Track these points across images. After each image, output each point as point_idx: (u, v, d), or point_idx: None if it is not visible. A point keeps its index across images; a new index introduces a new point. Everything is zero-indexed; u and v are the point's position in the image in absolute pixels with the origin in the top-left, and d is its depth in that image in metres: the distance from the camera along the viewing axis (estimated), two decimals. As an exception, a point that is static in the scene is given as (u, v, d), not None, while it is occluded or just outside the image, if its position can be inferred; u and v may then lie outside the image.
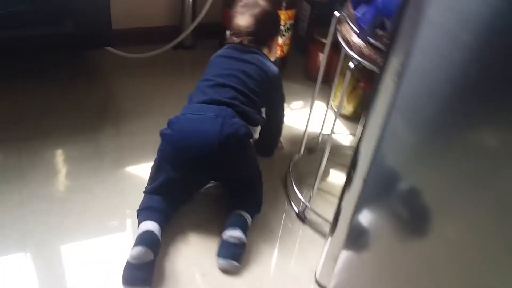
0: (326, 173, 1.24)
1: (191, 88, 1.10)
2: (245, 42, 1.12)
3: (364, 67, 1.37)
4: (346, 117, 1.48)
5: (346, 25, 0.95)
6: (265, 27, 1.14)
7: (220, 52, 1.15)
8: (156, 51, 1.58)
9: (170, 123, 1.01)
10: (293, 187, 1.17)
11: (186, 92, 1.10)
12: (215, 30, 1.63)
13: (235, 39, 1.13)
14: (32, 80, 1.44)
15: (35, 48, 1.32)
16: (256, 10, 1.12)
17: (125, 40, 1.58)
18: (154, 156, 1.04)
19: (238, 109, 1.02)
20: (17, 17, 1.18)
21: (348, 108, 1.46)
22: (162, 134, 1.01)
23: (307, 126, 1.21)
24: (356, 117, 1.45)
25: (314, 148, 1.32)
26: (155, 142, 1.03)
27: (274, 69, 1.13)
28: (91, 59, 1.57)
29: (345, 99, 1.43)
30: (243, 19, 1.12)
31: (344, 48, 0.95)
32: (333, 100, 1.46)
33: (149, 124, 1.32)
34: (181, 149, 0.98)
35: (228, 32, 1.17)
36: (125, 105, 1.40)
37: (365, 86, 1.41)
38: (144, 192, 1.04)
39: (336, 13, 0.98)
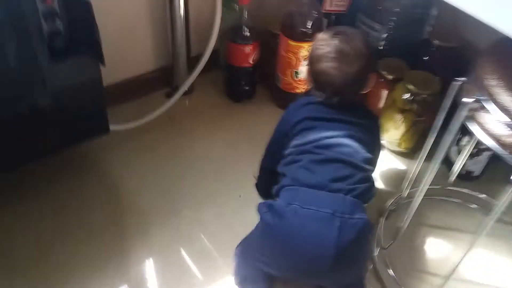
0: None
1: (213, 151, 0.97)
2: (337, 98, 0.87)
3: (425, 100, 1.17)
4: (400, 153, 1.26)
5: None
6: (366, 75, 0.88)
7: (309, 111, 0.89)
8: (148, 116, 1.23)
9: (273, 210, 0.80)
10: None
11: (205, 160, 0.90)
12: (210, 62, 1.30)
13: (325, 96, 0.87)
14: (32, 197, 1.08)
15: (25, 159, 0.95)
16: (357, 63, 0.84)
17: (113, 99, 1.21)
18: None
19: (356, 192, 0.80)
20: None
21: (405, 145, 1.24)
22: (265, 221, 0.81)
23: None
24: (412, 152, 1.24)
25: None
26: None
27: (374, 113, 0.94)
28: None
29: (404, 136, 1.21)
30: (337, 75, 0.84)
31: (474, 133, 0.71)
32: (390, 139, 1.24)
33: (183, 234, 1.04)
34: (286, 249, 0.80)
35: (309, 82, 0.91)
36: (143, 203, 1.09)
37: (427, 120, 1.18)
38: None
39: (467, 100, 0.72)
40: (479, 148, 1.11)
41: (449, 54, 1.24)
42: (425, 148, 0.97)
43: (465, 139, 1.12)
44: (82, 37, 0.82)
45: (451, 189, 1.14)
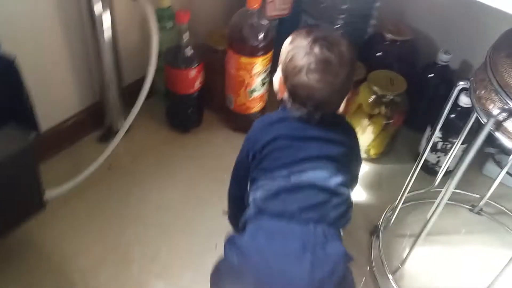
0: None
1: (170, 196, 0.85)
2: (319, 113, 0.75)
3: (393, 101, 1.10)
4: (369, 159, 1.18)
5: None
6: (351, 83, 0.77)
7: (283, 128, 0.76)
8: (83, 173, 1.00)
9: (236, 248, 0.71)
10: None
11: (164, 210, 0.69)
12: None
13: (305, 111, 0.75)
14: None
15: None
16: (342, 71, 0.72)
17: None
18: None
19: (330, 220, 0.72)
20: None
21: (375, 151, 1.17)
22: (229, 261, 0.72)
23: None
24: (381, 157, 1.18)
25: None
26: None
27: (354, 129, 0.83)
28: None
29: (373, 142, 1.14)
30: (321, 88, 0.72)
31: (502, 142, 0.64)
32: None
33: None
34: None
35: (285, 97, 0.77)
36: (98, 283, 0.89)
37: (397, 122, 1.12)
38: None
39: (495, 112, 0.63)
40: (452, 142, 1.06)
41: (403, 47, 1.19)
42: (419, 159, 0.90)
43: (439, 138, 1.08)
44: (6, 103, 0.60)
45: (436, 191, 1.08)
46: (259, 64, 1.05)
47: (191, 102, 1.13)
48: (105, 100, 1.10)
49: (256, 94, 1.11)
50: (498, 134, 0.63)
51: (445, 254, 0.99)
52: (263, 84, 1.10)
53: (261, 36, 1.02)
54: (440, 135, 1.06)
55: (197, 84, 1.10)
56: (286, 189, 0.73)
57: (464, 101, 1.01)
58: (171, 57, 1.06)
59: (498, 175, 1.01)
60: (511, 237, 1.04)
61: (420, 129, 1.14)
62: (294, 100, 0.75)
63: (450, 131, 1.04)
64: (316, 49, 0.71)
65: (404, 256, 0.91)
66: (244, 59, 1.04)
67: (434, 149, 1.09)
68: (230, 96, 1.13)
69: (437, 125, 0.85)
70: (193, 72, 1.06)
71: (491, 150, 1.12)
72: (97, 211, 0.99)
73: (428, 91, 1.16)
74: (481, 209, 1.08)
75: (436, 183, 1.02)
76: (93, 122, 1.13)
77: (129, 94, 1.11)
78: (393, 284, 0.90)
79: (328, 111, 0.76)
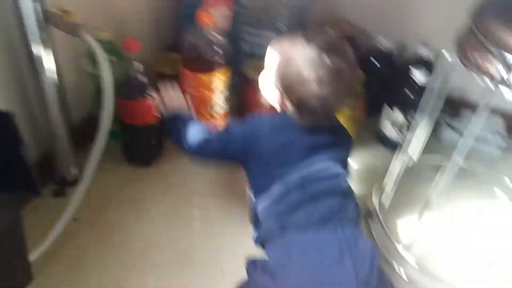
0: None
1: (155, 237, 0.67)
2: (328, 119, 0.76)
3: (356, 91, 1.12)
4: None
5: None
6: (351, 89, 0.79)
7: (291, 134, 0.75)
8: (49, 237, 0.88)
9: (266, 270, 0.67)
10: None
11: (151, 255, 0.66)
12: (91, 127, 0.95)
13: (312, 117, 0.74)
14: None
15: None
16: (352, 78, 0.73)
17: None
18: None
19: (350, 218, 0.73)
20: None
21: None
22: (260, 282, 0.69)
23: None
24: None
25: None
26: None
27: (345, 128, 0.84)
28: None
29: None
30: (334, 97, 0.72)
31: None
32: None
33: None
34: None
35: (287, 106, 0.75)
36: None
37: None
38: None
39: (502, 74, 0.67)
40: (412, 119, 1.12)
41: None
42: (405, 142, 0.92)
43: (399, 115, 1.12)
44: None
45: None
46: (219, 79, 1.01)
47: (152, 133, 1.05)
48: (54, 149, 0.98)
49: (220, 111, 1.06)
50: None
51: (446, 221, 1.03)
52: (226, 100, 1.06)
53: (217, 50, 0.98)
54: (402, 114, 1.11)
55: (157, 114, 1.02)
56: (305, 199, 0.72)
57: (420, 78, 1.07)
58: (124, 89, 0.97)
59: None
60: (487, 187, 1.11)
61: (372, 114, 1.18)
62: (302, 110, 0.73)
63: (410, 108, 1.10)
64: (327, 60, 0.69)
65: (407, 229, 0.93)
66: (203, 76, 0.99)
67: (398, 127, 1.14)
68: (192, 118, 1.07)
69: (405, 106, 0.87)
70: (150, 101, 0.99)
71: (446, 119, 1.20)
72: (76, 272, 0.87)
73: (374, 77, 1.21)
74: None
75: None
76: (43, 175, 1.00)
77: (80, 137, 1.00)
78: (406, 256, 0.91)
79: (334, 117, 0.76)
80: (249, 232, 0.82)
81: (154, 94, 0.96)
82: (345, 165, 0.80)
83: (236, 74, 1.09)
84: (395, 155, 0.98)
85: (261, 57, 0.79)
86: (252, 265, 0.72)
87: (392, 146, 1.16)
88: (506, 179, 1.11)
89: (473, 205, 1.07)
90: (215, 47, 0.98)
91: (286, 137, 0.75)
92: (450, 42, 0.74)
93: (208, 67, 0.98)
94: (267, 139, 0.75)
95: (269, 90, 0.78)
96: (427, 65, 1.12)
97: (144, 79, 0.97)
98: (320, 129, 0.75)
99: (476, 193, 1.10)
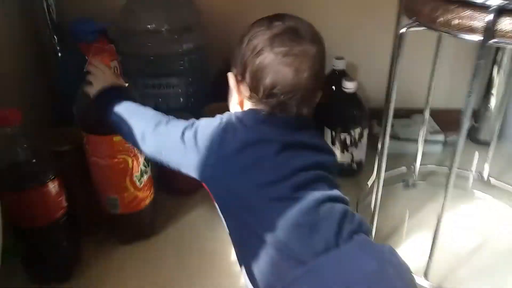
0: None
1: None
2: (294, 110, 0.59)
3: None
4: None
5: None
6: (324, 76, 0.63)
7: (251, 133, 0.58)
8: None
9: None
10: None
11: None
12: None
13: (276, 106, 0.58)
14: None
15: None
16: (315, 48, 0.58)
17: None
18: None
19: (357, 223, 0.58)
20: None
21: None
22: None
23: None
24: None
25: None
26: None
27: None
28: None
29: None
30: (294, 72, 0.57)
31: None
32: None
33: None
34: None
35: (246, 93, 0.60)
36: None
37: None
38: None
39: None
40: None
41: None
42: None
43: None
44: None
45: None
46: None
47: (61, 233, 0.77)
48: None
49: (145, 178, 0.84)
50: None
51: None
52: (147, 163, 0.84)
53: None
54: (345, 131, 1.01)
55: (63, 203, 0.76)
56: (311, 221, 0.55)
57: (348, 85, 0.99)
58: (12, 178, 0.70)
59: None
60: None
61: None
62: (272, 103, 0.58)
63: (349, 122, 1.01)
64: (277, 22, 0.57)
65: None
66: (118, 138, 0.76)
67: (344, 148, 1.03)
68: (112, 198, 0.82)
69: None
70: (53, 186, 0.72)
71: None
72: None
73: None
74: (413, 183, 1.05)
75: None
76: None
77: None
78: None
79: (307, 105, 0.60)
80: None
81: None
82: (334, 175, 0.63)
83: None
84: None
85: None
86: None
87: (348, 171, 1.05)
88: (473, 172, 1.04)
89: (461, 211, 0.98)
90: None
91: (262, 132, 0.58)
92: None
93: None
94: (232, 140, 0.58)
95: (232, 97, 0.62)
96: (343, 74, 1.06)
97: (36, 160, 0.71)
98: (295, 123, 0.60)
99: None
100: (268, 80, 0.57)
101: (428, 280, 0.76)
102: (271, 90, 0.57)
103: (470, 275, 0.80)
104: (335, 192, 0.59)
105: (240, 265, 0.62)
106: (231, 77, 0.62)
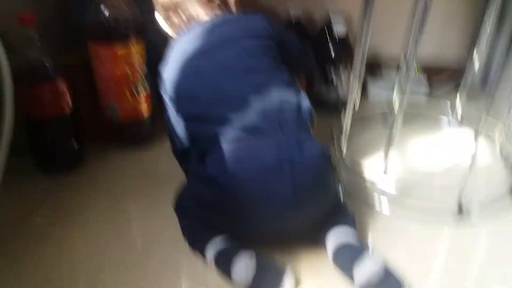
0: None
1: None
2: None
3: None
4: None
5: None
6: None
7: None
8: None
9: (214, 175, 0.62)
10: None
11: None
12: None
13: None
14: None
15: None
16: None
17: None
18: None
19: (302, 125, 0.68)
20: None
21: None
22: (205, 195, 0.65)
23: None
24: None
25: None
26: None
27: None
28: None
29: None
30: None
31: None
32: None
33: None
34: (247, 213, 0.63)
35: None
36: None
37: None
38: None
39: None
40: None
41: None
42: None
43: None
44: None
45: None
46: (136, 53, 0.90)
47: (68, 127, 0.89)
48: None
49: (143, 92, 0.94)
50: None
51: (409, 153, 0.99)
52: (146, 78, 0.95)
53: (127, 18, 0.88)
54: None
55: (69, 101, 0.87)
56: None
57: (340, 31, 1.07)
58: (26, 74, 0.81)
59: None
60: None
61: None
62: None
63: (337, 62, 1.09)
64: None
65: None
66: (120, 49, 0.87)
67: (328, 84, 1.11)
68: (113, 106, 0.93)
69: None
70: (61, 84, 0.84)
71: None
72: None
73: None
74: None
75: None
76: None
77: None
78: (383, 185, 0.84)
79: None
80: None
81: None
82: (272, 59, 0.73)
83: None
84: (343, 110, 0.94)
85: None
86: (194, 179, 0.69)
87: (333, 105, 1.14)
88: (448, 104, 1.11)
89: (427, 137, 1.05)
90: (124, 14, 0.88)
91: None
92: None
93: (122, 38, 0.87)
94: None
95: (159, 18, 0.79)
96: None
97: (47, 58, 0.83)
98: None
99: (423, 127, 1.09)
100: None
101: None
102: None
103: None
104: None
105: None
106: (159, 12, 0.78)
